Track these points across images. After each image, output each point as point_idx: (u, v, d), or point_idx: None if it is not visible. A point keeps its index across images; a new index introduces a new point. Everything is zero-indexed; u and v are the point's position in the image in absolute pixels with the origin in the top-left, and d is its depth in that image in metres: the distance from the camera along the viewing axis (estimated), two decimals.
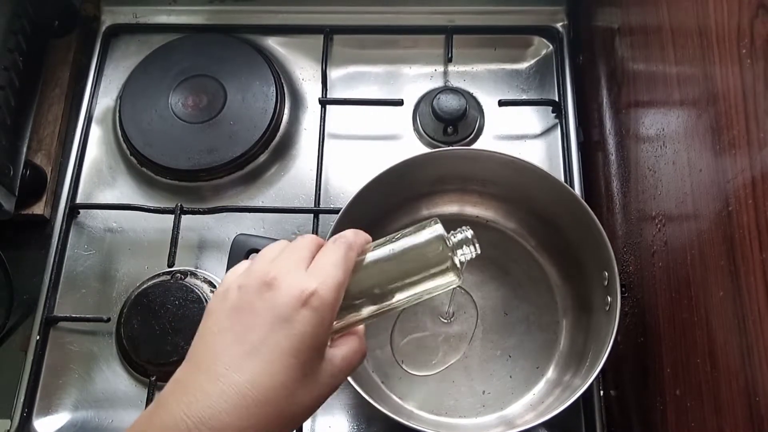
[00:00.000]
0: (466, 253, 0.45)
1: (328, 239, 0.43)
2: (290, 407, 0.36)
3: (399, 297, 0.44)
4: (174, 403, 0.35)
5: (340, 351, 0.41)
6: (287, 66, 0.82)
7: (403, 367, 0.65)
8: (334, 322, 0.43)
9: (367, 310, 0.43)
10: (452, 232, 0.45)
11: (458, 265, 0.44)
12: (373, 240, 0.45)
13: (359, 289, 0.42)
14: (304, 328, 0.36)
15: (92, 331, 0.70)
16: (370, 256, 0.43)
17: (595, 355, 0.58)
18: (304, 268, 0.39)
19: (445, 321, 0.67)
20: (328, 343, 0.40)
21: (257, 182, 0.76)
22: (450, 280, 0.44)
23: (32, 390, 0.67)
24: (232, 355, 0.36)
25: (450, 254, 0.43)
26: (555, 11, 0.83)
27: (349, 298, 0.42)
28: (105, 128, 0.79)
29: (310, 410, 0.38)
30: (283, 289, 0.37)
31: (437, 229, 0.44)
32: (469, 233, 0.45)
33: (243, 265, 0.42)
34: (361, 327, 0.44)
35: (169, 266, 0.70)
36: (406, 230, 0.45)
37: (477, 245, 0.45)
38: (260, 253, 0.42)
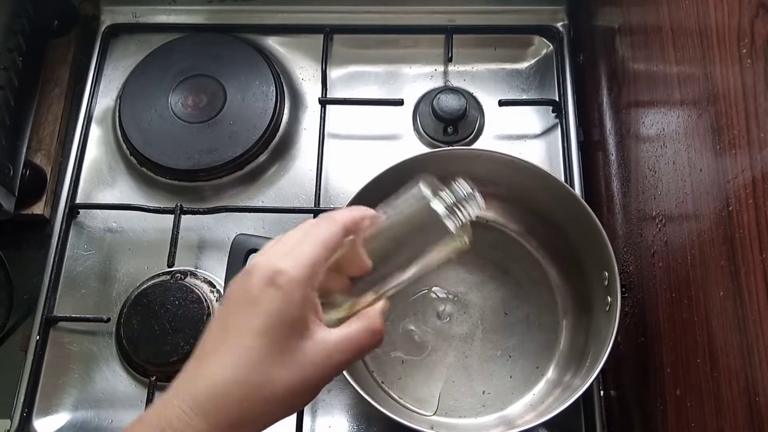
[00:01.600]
0: (468, 212, 0.41)
1: None
2: (267, 386, 0.37)
3: (405, 273, 0.42)
4: (168, 390, 0.38)
5: (337, 331, 0.40)
6: (287, 66, 0.82)
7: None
8: (347, 304, 0.42)
9: (373, 288, 0.42)
10: (446, 192, 0.42)
11: (460, 232, 0.41)
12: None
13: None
14: (269, 306, 0.37)
15: (92, 331, 0.70)
16: (371, 232, 0.42)
17: (595, 355, 0.57)
18: (287, 251, 0.39)
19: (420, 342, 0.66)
20: (314, 320, 0.39)
21: (257, 182, 0.76)
22: (456, 245, 0.41)
23: (32, 390, 0.67)
24: (212, 340, 0.38)
25: (448, 221, 0.40)
26: (555, 11, 0.83)
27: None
28: (105, 128, 0.79)
29: (296, 393, 0.38)
30: (256, 273, 0.38)
31: (426, 195, 0.41)
32: (466, 188, 0.42)
33: None
34: (378, 306, 0.42)
35: (169, 266, 0.70)
36: (401, 199, 0.43)
37: (479, 198, 0.41)
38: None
